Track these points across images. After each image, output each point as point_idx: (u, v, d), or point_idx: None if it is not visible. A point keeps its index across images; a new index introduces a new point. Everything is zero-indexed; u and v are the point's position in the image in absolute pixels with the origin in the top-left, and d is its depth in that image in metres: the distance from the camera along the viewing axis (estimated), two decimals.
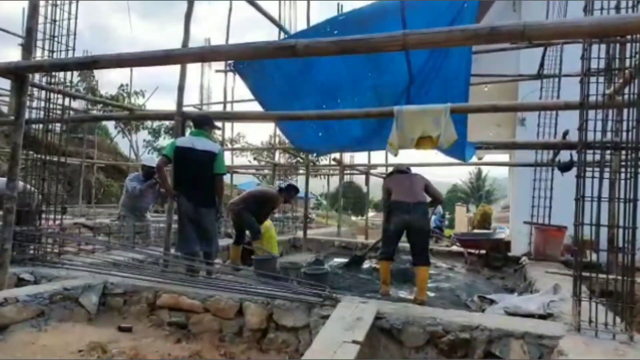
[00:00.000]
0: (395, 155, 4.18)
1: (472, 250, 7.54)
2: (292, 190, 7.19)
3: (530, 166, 7.02)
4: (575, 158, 4.12)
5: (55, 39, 4.39)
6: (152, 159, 6.86)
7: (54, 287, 3.47)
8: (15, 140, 3.41)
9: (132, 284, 3.66)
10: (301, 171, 11.47)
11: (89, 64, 3.04)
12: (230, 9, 7.28)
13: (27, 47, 3.47)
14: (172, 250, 4.83)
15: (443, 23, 3.57)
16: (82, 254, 4.71)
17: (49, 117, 4.37)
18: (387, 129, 4.40)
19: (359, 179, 18.10)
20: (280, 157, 11.31)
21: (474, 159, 6.38)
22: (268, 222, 6.89)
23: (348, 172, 12.20)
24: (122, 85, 18.42)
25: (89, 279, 3.73)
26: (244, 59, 3.70)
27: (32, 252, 4.32)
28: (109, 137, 21.92)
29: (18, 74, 3.34)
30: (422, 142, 3.98)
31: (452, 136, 3.90)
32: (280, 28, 7.71)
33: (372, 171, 11.27)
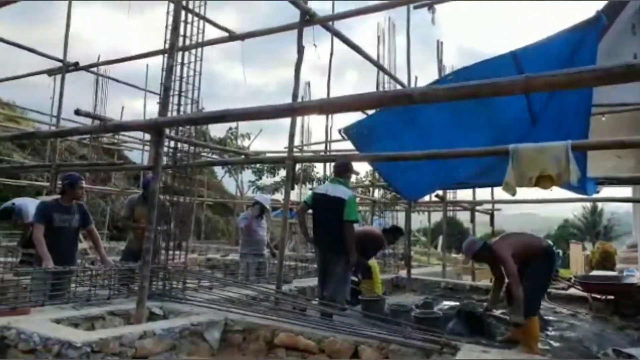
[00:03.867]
0: (513, 194, 4.06)
1: (598, 296, 6.89)
2: (396, 232, 7.18)
3: None
4: None
5: (183, 93, 4.93)
6: (265, 199, 7.32)
7: (182, 322, 3.79)
8: (154, 187, 3.85)
9: (251, 322, 3.88)
10: (398, 207, 11.41)
11: (218, 118, 3.38)
12: (331, 54, 7.67)
13: (164, 104, 3.95)
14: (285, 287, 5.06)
15: (562, 58, 3.48)
16: (201, 290, 5.09)
17: (176, 163, 4.88)
18: (499, 168, 4.31)
19: (461, 215, 17.44)
20: (378, 194, 11.37)
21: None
22: (372, 261, 6.92)
23: (451, 208, 11.89)
24: (230, 129, 19.91)
25: (212, 315, 4.01)
26: (363, 109, 3.88)
27: (160, 287, 4.76)
28: (214, 176, 23.60)
29: (157, 129, 3.80)
30: (541, 180, 3.83)
31: (574, 175, 3.71)
32: (380, 68, 7.93)
33: (477, 207, 10.88)
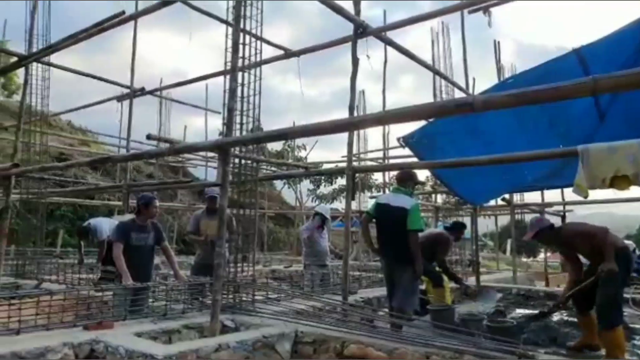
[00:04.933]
0: (585, 196, 3.91)
1: None
2: (459, 227, 7.07)
3: None
4: None
5: (244, 112, 5.15)
6: (325, 209, 7.44)
7: (254, 334, 3.95)
8: (222, 202, 4.06)
9: (321, 333, 3.97)
10: (462, 212, 11.18)
11: (279, 137, 3.52)
12: (385, 62, 7.72)
13: (229, 124, 4.16)
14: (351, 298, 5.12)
15: (626, 52, 3.35)
16: (270, 302, 5.25)
17: (240, 178, 5.09)
18: (568, 169, 4.18)
19: (529, 218, 16.75)
20: (441, 199, 11.22)
21: None
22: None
23: (519, 211, 11.50)
24: (286, 141, 20.33)
25: (282, 327, 4.14)
26: (424, 119, 3.90)
27: (230, 300, 4.96)
28: (273, 187, 24.14)
29: (222, 149, 4.01)
30: (617, 181, 3.67)
31: None
32: (436, 73, 7.85)
33: (547, 209, 10.44)
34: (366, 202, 11.94)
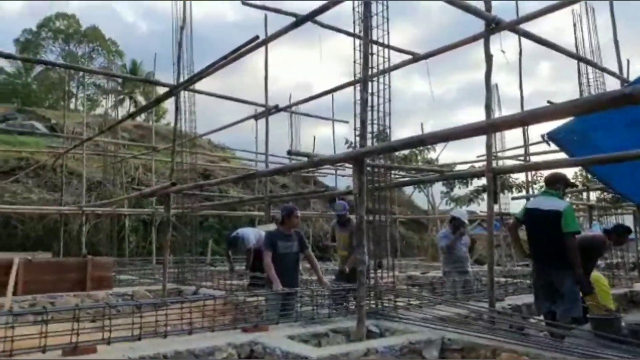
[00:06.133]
0: None
1: None
2: (622, 230, 6.42)
3: None
4: None
5: (374, 121, 5.32)
6: (462, 213, 7.29)
7: (401, 340, 4.06)
8: (360, 212, 4.26)
9: (469, 340, 3.95)
10: (622, 210, 10.06)
11: (417, 143, 3.61)
12: (520, 53, 7.32)
13: (363, 135, 4.35)
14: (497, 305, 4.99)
15: None
16: (412, 309, 5.32)
17: (373, 186, 5.27)
18: None
19: None
20: (594, 196, 10.22)
21: None
22: (596, 273, 6.29)
23: None
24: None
25: (428, 334, 4.20)
26: (573, 115, 3.69)
27: (372, 306, 5.14)
28: (402, 191, 24.01)
29: (358, 159, 4.21)
30: None
31: None
32: (581, 60, 7.26)
33: None
34: (507, 203, 11.35)
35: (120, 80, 37.86)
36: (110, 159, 16.90)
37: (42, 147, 19.47)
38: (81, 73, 33.97)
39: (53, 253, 12.62)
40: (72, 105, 35.25)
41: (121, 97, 40.90)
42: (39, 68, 40.00)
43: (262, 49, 9.56)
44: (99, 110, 37.31)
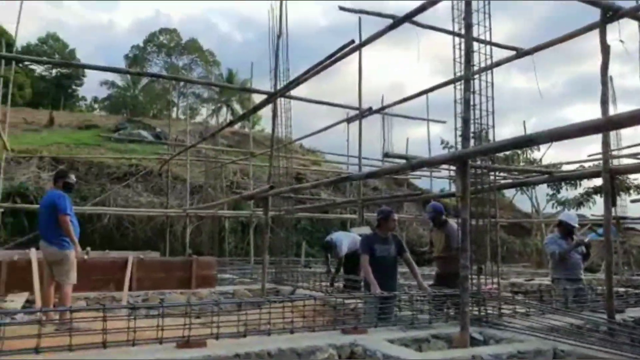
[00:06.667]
0: None
1: None
2: None
3: None
4: None
5: (476, 120, 5.17)
6: (571, 217, 6.85)
7: (508, 349, 3.91)
8: (464, 216, 4.17)
9: (585, 353, 3.71)
10: None
11: (525, 143, 3.47)
12: None
13: (466, 136, 4.26)
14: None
15: None
16: (518, 317, 5.09)
17: (475, 188, 5.11)
18: None
19: None
20: None
21: None
22: None
23: None
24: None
25: (538, 344, 4.00)
26: None
27: (475, 313, 4.99)
28: (502, 194, 22.90)
29: (461, 160, 4.13)
30: None
31: None
32: None
33: None
34: (625, 206, 10.41)
35: (217, 89, 40.20)
36: (210, 164, 17.97)
37: (149, 154, 21.23)
38: (182, 83, 36.56)
39: (160, 252, 13.66)
40: (173, 114, 38.05)
41: (219, 105, 43.36)
42: (144, 80, 43.62)
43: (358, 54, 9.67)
44: (198, 119, 39.88)
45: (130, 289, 8.18)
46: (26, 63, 34.59)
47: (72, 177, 6.26)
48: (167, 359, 3.45)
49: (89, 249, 8.47)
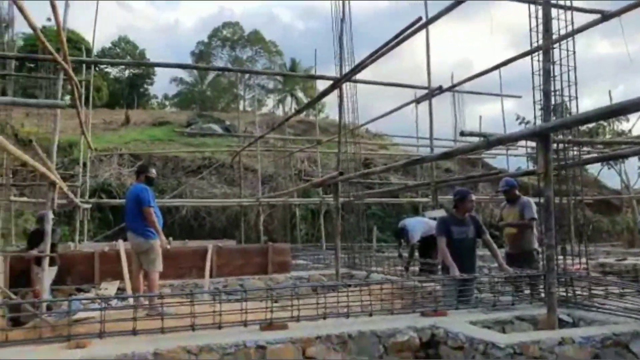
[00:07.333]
0: None
1: None
2: None
3: None
4: None
5: (557, 92, 4.92)
6: None
7: (601, 331, 3.75)
8: (547, 193, 4.02)
9: None
10: None
11: (613, 113, 3.28)
12: None
13: (547, 109, 4.09)
14: None
15: None
16: (611, 298, 4.84)
17: (558, 164, 4.88)
18: None
19: None
20: None
21: None
22: None
23: None
24: None
25: (635, 326, 3.81)
26: None
27: (562, 294, 4.80)
28: (585, 169, 21.58)
29: (543, 135, 3.97)
30: None
31: None
32: None
33: None
34: None
35: (281, 79, 40.78)
36: (279, 154, 18.36)
37: (220, 146, 22.01)
38: (247, 76, 37.40)
39: (236, 241, 14.23)
40: (240, 107, 39.09)
41: (283, 94, 44.02)
42: (211, 75, 45.06)
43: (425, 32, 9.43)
44: (264, 110, 40.70)
45: (210, 275, 8.60)
46: (102, 66, 36.84)
47: (153, 171, 6.60)
48: (253, 340, 3.63)
49: (170, 239, 8.98)
